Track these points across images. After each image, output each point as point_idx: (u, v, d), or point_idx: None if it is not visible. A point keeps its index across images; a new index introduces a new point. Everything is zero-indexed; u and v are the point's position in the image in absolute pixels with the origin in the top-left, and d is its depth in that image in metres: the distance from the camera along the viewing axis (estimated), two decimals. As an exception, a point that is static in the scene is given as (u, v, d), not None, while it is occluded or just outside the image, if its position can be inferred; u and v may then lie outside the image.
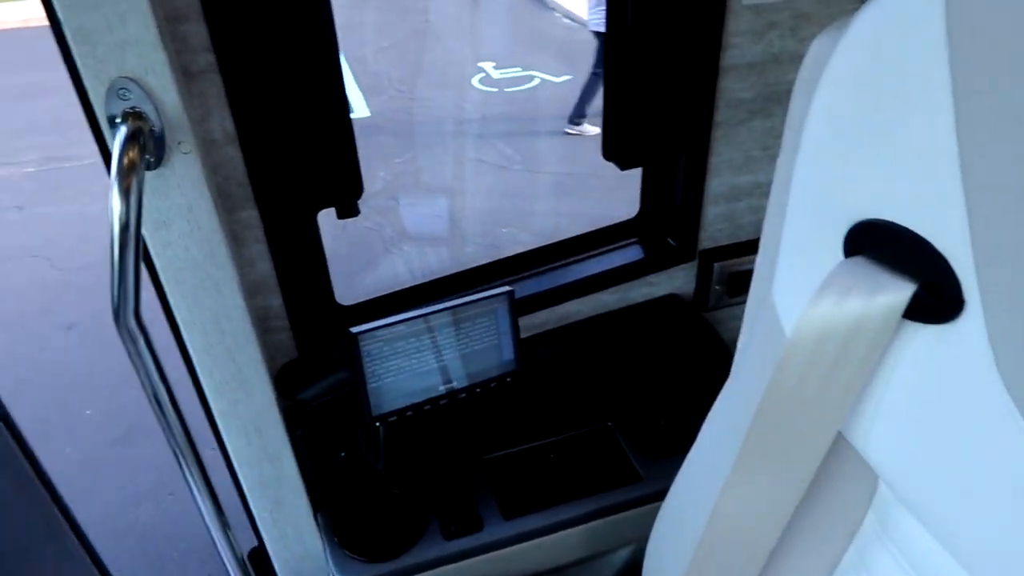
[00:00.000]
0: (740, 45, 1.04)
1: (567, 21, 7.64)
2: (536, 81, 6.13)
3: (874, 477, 0.56)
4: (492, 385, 1.00)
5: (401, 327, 0.91)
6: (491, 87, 6.03)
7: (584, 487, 1.18)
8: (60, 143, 5.31)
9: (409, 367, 0.94)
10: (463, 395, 0.98)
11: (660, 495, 1.10)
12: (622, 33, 1.00)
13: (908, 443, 0.49)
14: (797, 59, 0.56)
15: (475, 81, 6.15)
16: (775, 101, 1.10)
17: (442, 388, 0.97)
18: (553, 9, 7.99)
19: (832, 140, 0.50)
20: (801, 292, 0.55)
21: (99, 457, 2.77)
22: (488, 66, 6.43)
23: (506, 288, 0.96)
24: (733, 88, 1.08)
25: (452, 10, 8.23)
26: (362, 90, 6.01)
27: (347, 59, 6.62)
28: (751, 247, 1.23)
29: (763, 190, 1.19)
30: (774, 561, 0.66)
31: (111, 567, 2.22)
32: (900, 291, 0.45)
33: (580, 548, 1.18)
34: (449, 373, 0.97)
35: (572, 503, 1.16)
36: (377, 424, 0.94)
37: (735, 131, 1.12)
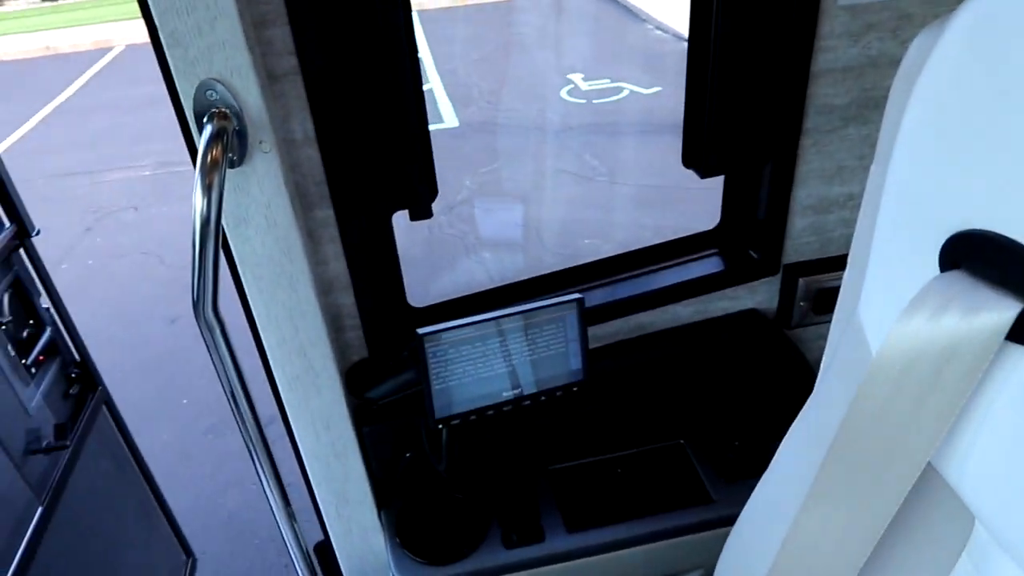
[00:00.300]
0: (834, 48, 0.98)
1: (659, 32, 7.54)
2: (625, 93, 6.08)
3: (970, 516, 0.50)
4: (558, 394, 0.98)
5: (468, 330, 0.91)
6: (579, 98, 6.03)
7: (652, 505, 1.14)
8: (174, 149, 5.69)
9: (475, 371, 0.93)
10: (528, 403, 0.97)
11: (732, 520, 1.04)
12: (706, 33, 0.96)
13: (1010, 482, 0.44)
14: (897, 63, 0.52)
15: (563, 93, 6.16)
16: (872, 108, 1.03)
17: (507, 394, 0.96)
18: (645, 21, 7.91)
19: (930, 144, 0.46)
20: (890, 308, 0.51)
21: (192, 445, 2.93)
22: (576, 78, 6.43)
23: (576, 295, 0.94)
24: (825, 93, 1.02)
25: (543, 23, 8.29)
26: (452, 101, 6.13)
27: (438, 71, 6.79)
28: (841, 263, 1.14)
29: (856, 202, 1.11)
30: None
31: (196, 549, 2.33)
32: (1004, 310, 0.41)
33: (644, 568, 1.14)
34: (515, 379, 0.96)
35: (638, 520, 1.12)
36: (440, 426, 0.94)
37: (826, 139, 1.05)
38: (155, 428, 3.01)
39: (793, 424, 0.71)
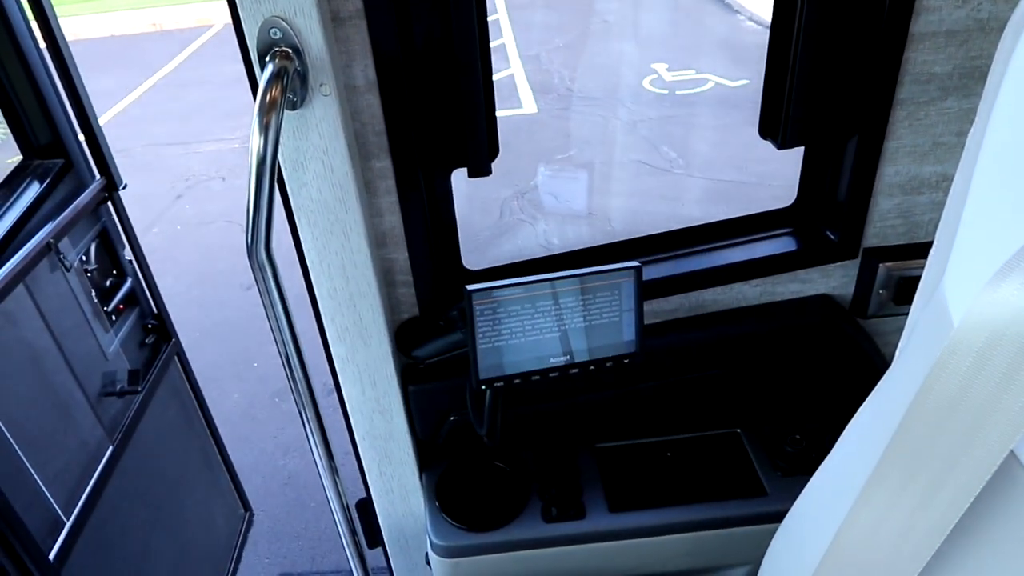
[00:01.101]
0: (938, 9, 0.89)
1: (751, 24, 7.27)
2: (710, 84, 5.90)
3: None
4: (608, 365, 0.94)
5: (519, 290, 0.88)
6: (662, 89, 5.89)
7: (701, 493, 1.09)
8: (261, 124, 5.90)
9: (523, 334, 0.90)
10: (576, 371, 0.93)
11: (786, 515, 0.98)
12: None
13: None
14: None
15: (646, 83, 6.03)
16: (977, 78, 0.93)
17: (555, 360, 0.93)
18: (737, 12, 7.64)
19: None
20: (978, 278, 0.45)
21: (259, 407, 3.03)
22: (661, 68, 6.29)
23: (634, 263, 0.90)
24: (924, 60, 0.93)
25: (630, 11, 8.13)
26: (532, 87, 6.10)
27: (520, 57, 6.77)
28: (928, 250, 1.06)
29: (951, 184, 1.02)
30: None
31: (255, 506, 2.40)
32: None
33: (687, 557, 1.09)
34: (564, 346, 0.93)
35: (685, 507, 1.07)
36: (484, 388, 0.92)
37: (922, 111, 0.96)
38: (225, 388, 3.13)
39: (859, 410, 0.65)
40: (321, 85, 0.79)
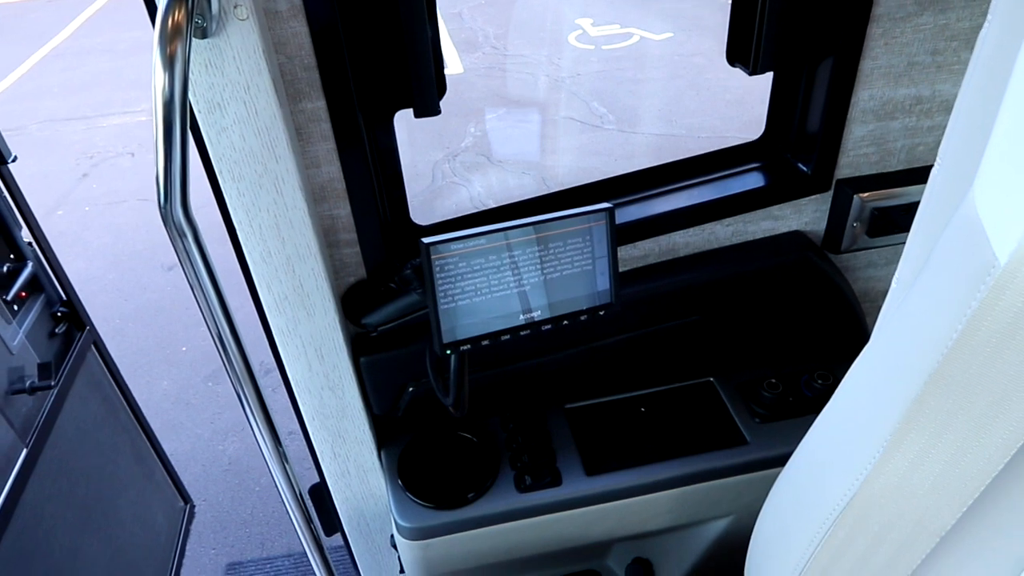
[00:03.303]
0: None
1: (673, -24, 7.25)
2: (635, 39, 5.91)
3: None
4: (582, 318, 0.86)
5: (481, 240, 0.78)
6: (588, 44, 5.86)
7: (679, 447, 1.04)
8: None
9: (488, 289, 0.81)
10: (548, 327, 0.85)
11: (768, 463, 0.94)
12: None
13: None
14: None
15: (571, 38, 5.99)
16: None
17: (523, 317, 0.85)
18: (659, -37, 7.60)
19: None
20: None
21: (191, 392, 2.87)
22: (586, 23, 6.25)
23: (606, 204, 0.82)
24: None
25: (552, -34, 7.99)
26: (456, 46, 5.95)
27: (442, 16, 6.56)
28: (902, 178, 1.02)
29: (925, 108, 0.98)
30: (941, 550, 0.51)
31: (196, 496, 2.27)
32: None
33: (670, 515, 1.05)
34: (533, 300, 0.84)
35: (664, 463, 1.02)
36: (448, 352, 0.83)
37: (898, 28, 0.91)
38: (154, 374, 2.96)
39: (866, 350, 0.60)
40: (236, 7, 0.67)
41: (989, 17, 0.46)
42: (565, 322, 0.86)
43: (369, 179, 0.88)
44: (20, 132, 5.10)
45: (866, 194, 1.01)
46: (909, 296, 0.57)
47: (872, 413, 0.55)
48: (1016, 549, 0.49)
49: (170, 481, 2.05)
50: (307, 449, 1.07)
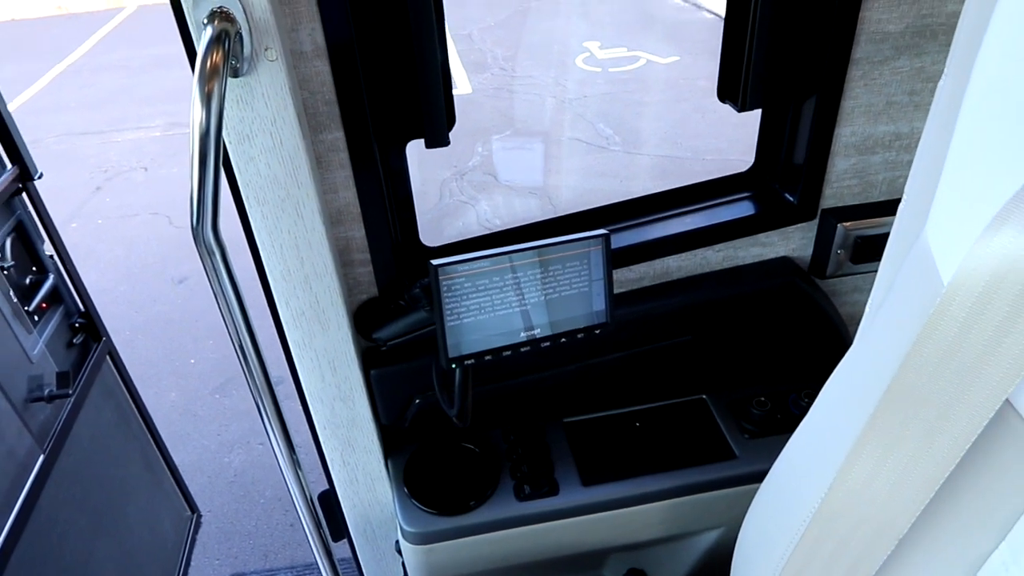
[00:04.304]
0: None
1: (679, 1, 7.37)
2: (642, 62, 5.97)
3: None
4: (579, 336, 0.92)
5: (485, 263, 0.84)
6: (595, 67, 5.92)
7: (672, 461, 1.09)
8: (185, 110, 5.60)
9: (491, 308, 0.87)
10: (547, 344, 0.91)
11: (756, 477, 0.99)
12: None
13: None
14: None
15: (579, 61, 6.06)
16: (928, 37, 0.95)
17: (524, 335, 0.90)
18: (665, -11, 7.71)
19: None
20: (968, 227, 0.45)
21: (199, 404, 2.91)
22: (593, 46, 6.32)
23: (602, 231, 0.88)
24: (879, 19, 0.93)
25: (561, -11, 8.12)
26: (465, 67, 6.03)
27: (452, 36, 6.66)
28: (883, 209, 1.08)
29: (904, 143, 1.04)
30: (901, 552, 0.56)
31: (202, 506, 2.31)
32: None
33: (662, 526, 1.09)
34: (533, 319, 0.90)
35: (657, 475, 1.07)
36: (453, 367, 0.89)
37: (876, 70, 0.97)
38: (163, 386, 3.00)
39: (838, 367, 0.65)
40: (266, 49, 0.73)
41: (946, 70, 0.52)
42: (563, 340, 0.91)
43: (382, 204, 0.95)
44: (37, 145, 5.19)
45: (849, 223, 1.07)
46: (875, 320, 0.63)
47: (839, 424, 0.60)
48: (969, 553, 0.54)
49: (178, 490, 2.09)
50: (316, 459, 1.13)
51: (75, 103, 6.05)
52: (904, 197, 0.60)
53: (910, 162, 1.07)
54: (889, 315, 0.60)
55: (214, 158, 0.65)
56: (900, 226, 0.62)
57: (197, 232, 0.67)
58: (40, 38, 7.83)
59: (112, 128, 5.50)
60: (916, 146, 1.04)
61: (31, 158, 1.55)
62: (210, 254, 0.68)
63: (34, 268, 1.58)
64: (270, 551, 2.34)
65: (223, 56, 0.67)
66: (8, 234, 1.48)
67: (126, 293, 3.58)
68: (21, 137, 1.51)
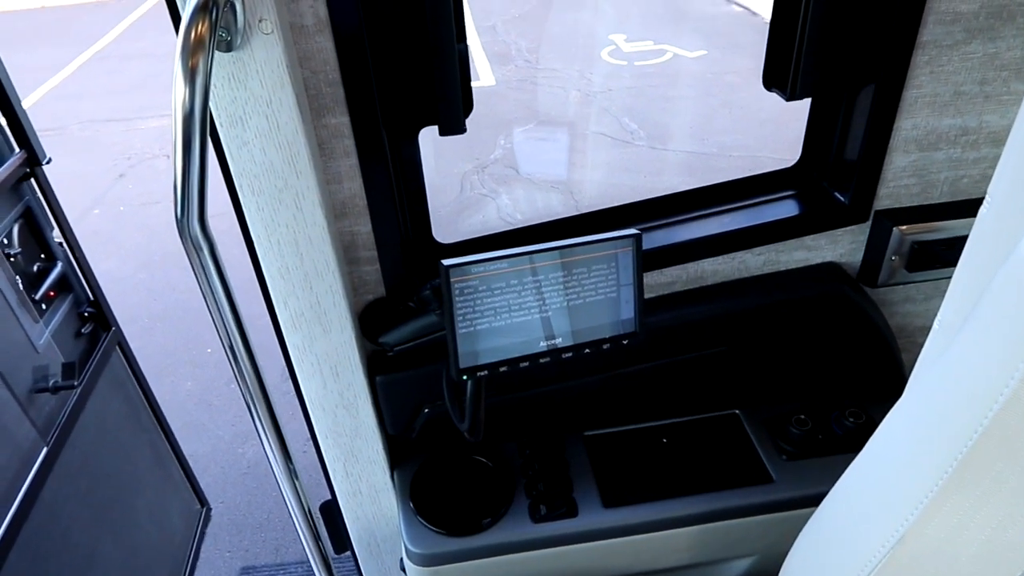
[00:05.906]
0: None
1: (710, -7, 7.22)
2: (668, 56, 5.89)
3: None
4: (604, 347, 0.83)
5: (502, 264, 0.76)
6: (620, 60, 5.85)
7: (701, 482, 1.00)
8: (207, 98, 5.63)
9: (508, 314, 0.79)
10: (568, 355, 0.83)
11: (794, 503, 0.91)
12: None
13: None
14: None
15: (604, 54, 5.99)
16: (1005, 19, 0.84)
17: (544, 344, 0.82)
18: (695, -19, 7.57)
19: None
20: None
21: (214, 394, 2.90)
22: (619, 39, 6.25)
23: (632, 231, 0.79)
24: None
25: (589, -19, 8.01)
26: (489, 59, 5.98)
27: (476, 28, 6.61)
28: (944, 211, 0.98)
29: (971, 139, 0.94)
30: None
31: (213, 498, 2.29)
32: None
33: (690, 552, 1.01)
34: (554, 327, 0.82)
35: (685, 499, 0.98)
36: (464, 378, 0.81)
37: (945, 56, 0.87)
38: (179, 375, 2.99)
39: (906, 394, 0.56)
40: (261, 21, 0.66)
41: None
42: (587, 350, 0.83)
43: (391, 196, 0.87)
44: (62, 132, 5.22)
45: (906, 227, 0.97)
46: (954, 345, 0.54)
47: (914, 467, 0.51)
48: None
49: (188, 483, 2.06)
50: (318, 464, 1.06)
51: (101, 90, 6.09)
52: (987, 199, 0.51)
53: (976, 160, 0.97)
54: (975, 344, 0.51)
55: (199, 142, 0.58)
56: (981, 234, 0.53)
57: (182, 225, 0.60)
58: (70, 25, 7.90)
59: (136, 115, 5.53)
60: (983, 142, 0.94)
61: (39, 142, 1.51)
62: (197, 249, 0.61)
63: (42, 255, 1.54)
64: (281, 545, 2.31)
65: (210, 27, 0.60)
66: (15, 220, 1.44)
67: (145, 280, 3.57)
68: (29, 121, 1.47)
